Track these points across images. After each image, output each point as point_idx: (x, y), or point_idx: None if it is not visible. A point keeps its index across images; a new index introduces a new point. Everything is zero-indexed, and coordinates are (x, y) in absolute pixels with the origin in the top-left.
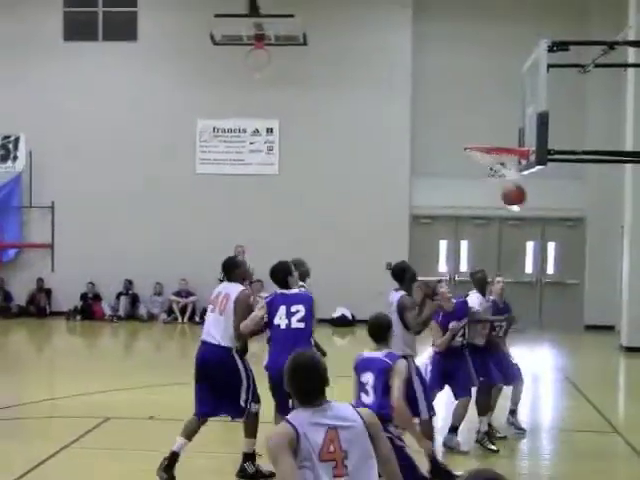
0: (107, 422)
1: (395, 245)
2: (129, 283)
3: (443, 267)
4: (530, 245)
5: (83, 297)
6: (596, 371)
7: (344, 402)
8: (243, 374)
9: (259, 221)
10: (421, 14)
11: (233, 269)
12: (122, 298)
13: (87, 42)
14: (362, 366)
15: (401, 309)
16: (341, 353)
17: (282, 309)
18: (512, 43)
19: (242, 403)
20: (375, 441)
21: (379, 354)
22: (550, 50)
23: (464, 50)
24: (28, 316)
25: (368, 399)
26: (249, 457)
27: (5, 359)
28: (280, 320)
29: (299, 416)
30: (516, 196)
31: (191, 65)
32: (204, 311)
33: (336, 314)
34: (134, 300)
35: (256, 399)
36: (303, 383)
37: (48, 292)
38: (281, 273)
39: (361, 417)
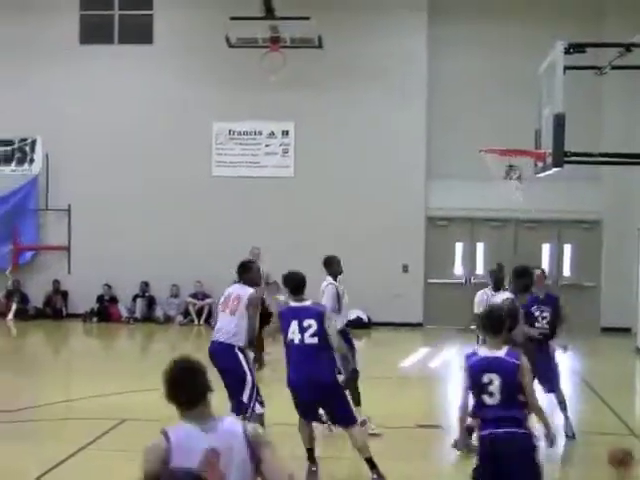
0: (123, 424)
1: (411, 247)
2: (145, 285)
3: (459, 269)
4: (546, 247)
5: (99, 299)
6: (613, 374)
7: (231, 417)
8: (247, 372)
9: (275, 223)
10: (436, 17)
11: (243, 273)
12: (138, 300)
13: (103, 45)
14: (481, 366)
15: None
16: (358, 355)
17: (294, 324)
18: (528, 46)
19: (245, 400)
20: (260, 461)
21: (501, 353)
22: (567, 52)
23: (480, 53)
24: (45, 318)
25: (492, 400)
26: None
27: (22, 361)
28: (293, 335)
29: (178, 430)
30: (619, 462)
31: (206, 68)
32: None
33: (351, 317)
34: (150, 302)
35: (260, 401)
36: (180, 392)
37: (64, 294)
38: (293, 282)
39: (246, 436)
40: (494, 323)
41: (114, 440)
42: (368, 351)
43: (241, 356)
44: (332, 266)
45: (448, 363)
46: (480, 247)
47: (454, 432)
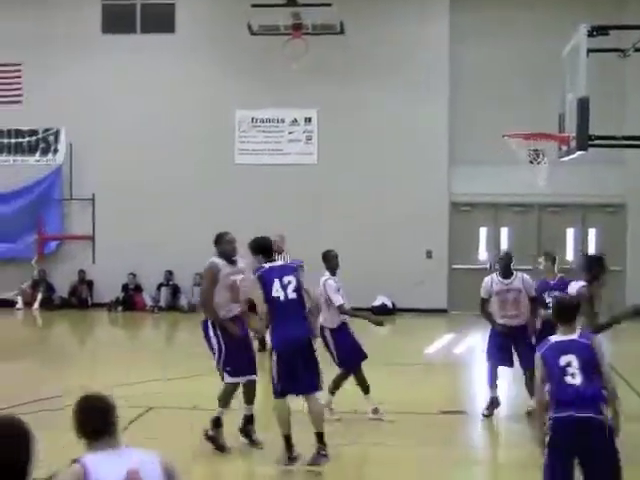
0: (150, 412)
1: (435, 233)
2: (170, 274)
3: (483, 255)
4: (570, 232)
5: (124, 288)
6: (638, 358)
7: (150, 452)
8: (214, 342)
9: (298, 210)
10: (458, 3)
11: (215, 245)
12: (163, 289)
13: (125, 35)
14: (557, 350)
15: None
16: (382, 342)
17: (276, 282)
18: (550, 31)
19: (217, 368)
20: None
21: (573, 336)
22: (590, 35)
23: (502, 38)
24: (70, 308)
25: (576, 381)
26: (214, 422)
27: (48, 350)
28: (278, 292)
29: (93, 457)
30: None
31: (229, 56)
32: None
33: (376, 303)
34: (175, 291)
35: (229, 370)
36: (89, 426)
37: (90, 284)
38: (264, 246)
39: (160, 462)
40: (566, 311)
41: (141, 428)
42: (393, 337)
43: (210, 327)
44: (330, 261)
45: (473, 349)
46: (504, 232)
47: (478, 418)
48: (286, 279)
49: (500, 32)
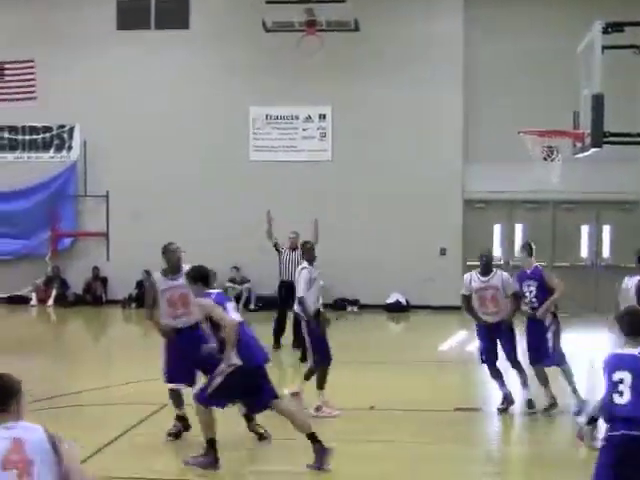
0: (165, 408)
1: (449, 230)
2: None
3: (497, 252)
4: (585, 229)
5: (138, 285)
6: None
7: (36, 425)
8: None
9: (312, 207)
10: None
11: (162, 255)
12: None
13: (140, 31)
14: (615, 364)
15: None
16: (395, 339)
17: (229, 305)
18: (565, 28)
19: None
20: (61, 458)
21: (635, 351)
22: (605, 32)
23: (517, 35)
24: (84, 304)
25: (622, 400)
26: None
27: (62, 347)
28: (235, 315)
29: None
30: None
31: (243, 52)
32: (258, 298)
33: (390, 300)
34: None
35: (165, 374)
36: None
37: (104, 280)
38: (205, 275)
39: (45, 431)
40: (631, 323)
41: (155, 425)
42: (406, 334)
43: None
44: (308, 252)
45: None
46: (518, 229)
47: (493, 415)
48: (232, 303)
49: (515, 28)
